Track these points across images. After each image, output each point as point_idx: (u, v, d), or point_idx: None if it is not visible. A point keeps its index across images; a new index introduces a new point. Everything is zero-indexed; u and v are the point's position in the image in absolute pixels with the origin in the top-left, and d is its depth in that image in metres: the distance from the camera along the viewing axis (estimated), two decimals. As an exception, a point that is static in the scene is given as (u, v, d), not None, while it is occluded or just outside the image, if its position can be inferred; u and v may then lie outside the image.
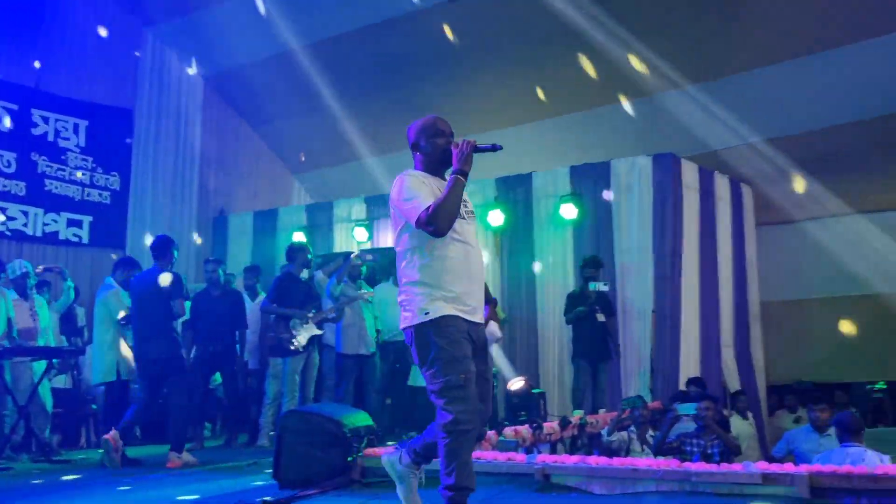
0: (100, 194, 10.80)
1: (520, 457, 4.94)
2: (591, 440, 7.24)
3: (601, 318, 8.17)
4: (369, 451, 5.08)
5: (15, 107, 10.03)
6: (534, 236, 9.47)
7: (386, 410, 8.56)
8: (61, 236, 10.37)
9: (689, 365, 8.70)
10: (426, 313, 3.37)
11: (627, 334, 8.71)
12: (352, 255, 8.31)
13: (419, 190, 3.42)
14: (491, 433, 5.72)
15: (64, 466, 6.58)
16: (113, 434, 6.26)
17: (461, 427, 3.27)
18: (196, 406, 7.66)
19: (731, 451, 6.47)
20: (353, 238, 10.58)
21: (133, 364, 6.98)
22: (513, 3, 9.43)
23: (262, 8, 10.21)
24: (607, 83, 9.75)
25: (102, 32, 10.79)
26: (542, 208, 9.45)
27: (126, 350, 7.27)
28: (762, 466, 4.18)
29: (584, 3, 9.02)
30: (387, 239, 10.47)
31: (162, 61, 11.60)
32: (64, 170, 10.43)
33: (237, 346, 8.02)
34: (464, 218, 3.46)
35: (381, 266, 9.03)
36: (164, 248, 6.66)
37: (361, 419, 5.27)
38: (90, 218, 10.64)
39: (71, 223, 10.46)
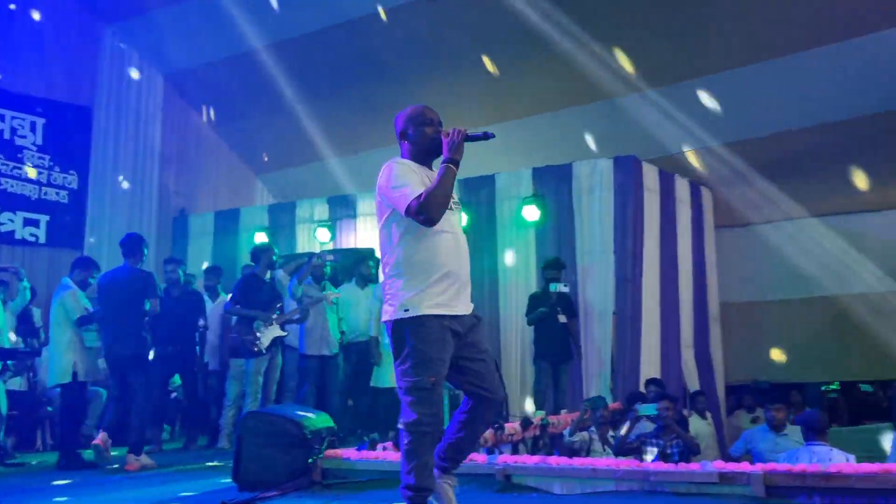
0: (57, 193, 10.63)
1: (481, 457, 4.96)
2: (553, 441, 7.27)
3: (562, 319, 8.25)
4: (330, 452, 5.08)
5: (-31, 104, 9.86)
6: (497, 237, 9.50)
7: (348, 412, 8.53)
8: (17, 236, 10.20)
9: (650, 365, 8.79)
10: (406, 310, 3.35)
11: (589, 335, 8.76)
12: (314, 257, 8.27)
13: (409, 178, 3.36)
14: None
15: (19, 469, 6.47)
16: (102, 436, 6.28)
17: (422, 428, 3.29)
18: (155, 408, 7.58)
19: (690, 451, 6.57)
20: (315, 239, 10.52)
21: (89, 365, 6.89)
22: (476, 5, 9.46)
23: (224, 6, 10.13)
24: (570, 86, 9.82)
25: (55, 29, 10.63)
26: (505, 209, 9.49)
27: (83, 351, 7.16)
28: (719, 466, 4.25)
29: (547, 7, 9.08)
30: (349, 240, 10.46)
31: (122, 59, 11.44)
32: (20, 168, 10.25)
33: (197, 346, 7.93)
34: (450, 208, 3.42)
35: (344, 267, 9.00)
36: (134, 246, 6.62)
37: (322, 421, 5.26)
38: (47, 217, 10.48)
39: (27, 222, 10.28)
